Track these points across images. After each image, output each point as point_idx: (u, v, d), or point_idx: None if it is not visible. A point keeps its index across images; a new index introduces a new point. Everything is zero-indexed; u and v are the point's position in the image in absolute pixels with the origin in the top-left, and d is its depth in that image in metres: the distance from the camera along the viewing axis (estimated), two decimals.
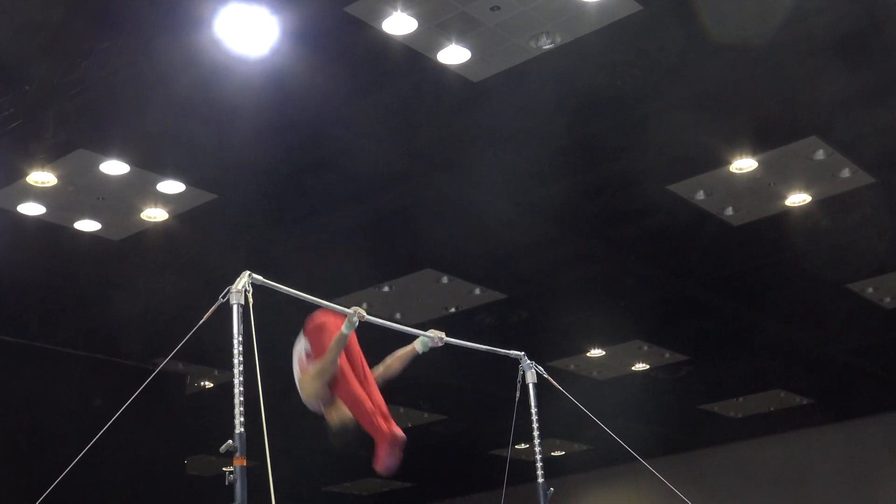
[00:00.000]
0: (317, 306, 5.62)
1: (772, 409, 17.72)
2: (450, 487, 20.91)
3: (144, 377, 5.12)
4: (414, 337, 6.08)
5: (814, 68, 8.17)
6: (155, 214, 9.78)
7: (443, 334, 6.07)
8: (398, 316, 12.38)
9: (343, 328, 5.52)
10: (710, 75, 8.30)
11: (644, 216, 10.65)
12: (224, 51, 7.30)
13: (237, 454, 4.52)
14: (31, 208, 9.41)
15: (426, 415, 16.68)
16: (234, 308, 4.78)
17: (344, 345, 5.58)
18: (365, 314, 5.58)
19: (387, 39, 7.48)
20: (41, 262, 10.62)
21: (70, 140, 8.27)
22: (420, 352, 6.03)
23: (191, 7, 6.98)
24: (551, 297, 12.35)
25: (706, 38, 7.76)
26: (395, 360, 6.02)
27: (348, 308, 5.57)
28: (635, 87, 8.38)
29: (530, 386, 6.49)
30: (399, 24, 7.30)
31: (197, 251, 10.53)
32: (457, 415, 16.86)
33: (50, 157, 8.50)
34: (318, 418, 5.75)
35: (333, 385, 5.64)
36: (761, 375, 15.89)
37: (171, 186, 9.33)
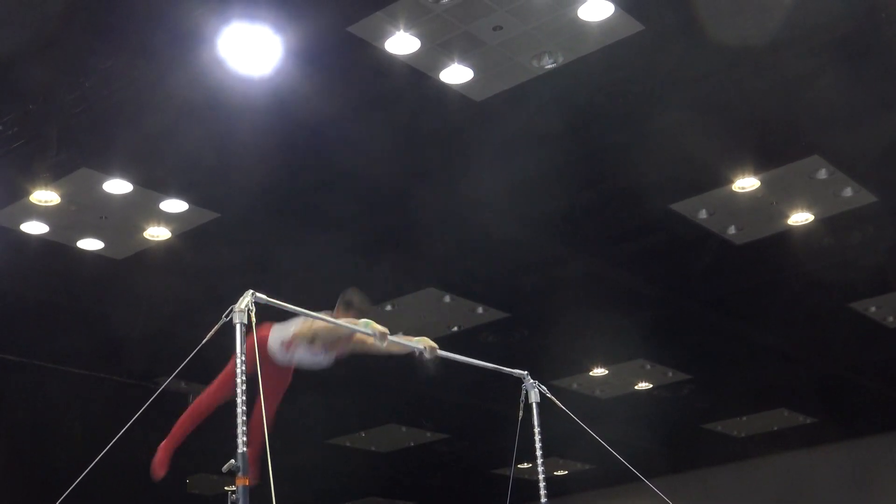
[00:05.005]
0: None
1: (775, 427, 17.68)
2: None
3: (147, 395, 5.12)
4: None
5: (816, 88, 8.18)
6: (157, 233, 9.79)
7: (436, 347, 6.08)
8: (401, 335, 12.35)
9: (366, 331, 5.62)
10: (713, 95, 8.31)
11: (646, 235, 10.65)
12: (227, 70, 7.32)
13: (240, 474, 4.51)
14: (34, 227, 9.42)
15: (429, 434, 16.65)
16: (238, 327, 4.78)
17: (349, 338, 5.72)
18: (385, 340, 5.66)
19: (389, 59, 7.51)
20: (44, 281, 10.63)
21: (73, 159, 8.29)
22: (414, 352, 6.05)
23: (194, 26, 7.00)
24: (554, 315, 12.34)
25: (708, 58, 7.78)
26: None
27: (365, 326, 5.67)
28: (637, 105, 8.39)
29: (533, 405, 6.48)
30: (402, 43, 7.33)
31: (199, 270, 10.53)
32: (459, 434, 16.82)
33: (53, 176, 8.51)
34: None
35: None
36: (765, 394, 15.85)
37: (174, 205, 9.35)
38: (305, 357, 5.78)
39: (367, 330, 5.58)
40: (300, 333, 5.69)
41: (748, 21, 7.41)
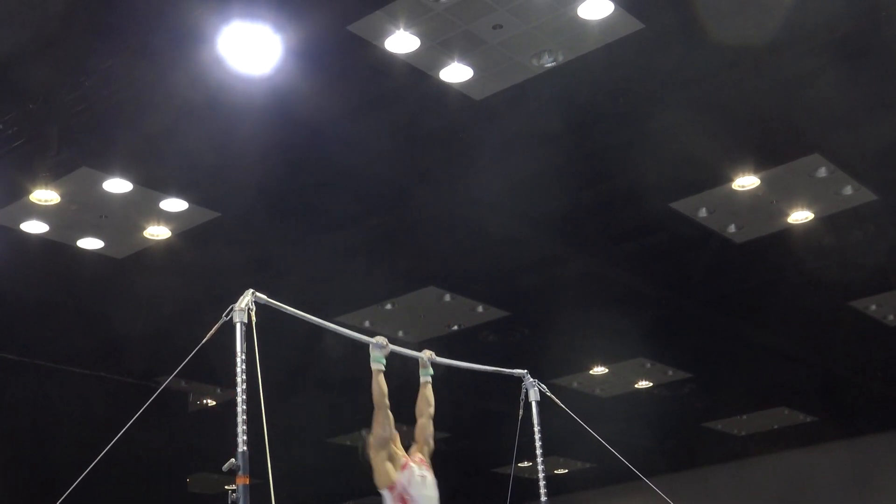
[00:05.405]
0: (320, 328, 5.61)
1: (776, 426, 17.68)
2: None
3: (147, 394, 5.12)
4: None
5: (816, 87, 8.18)
6: (157, 232, 9.79)
7: (432, 353, 6.08)
8: (401, 334, 12.37)
9: (372, 365, 5.51)
10: (713, 93, 8.32)
11: (646, 233, 10.66)
12: (227, 69, 7.32)
13: (240, 473, 4.52)
14: (35, 226, 9.42)
15: None
16: (237, 327, 4.77)
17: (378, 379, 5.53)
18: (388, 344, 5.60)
19: (389, 58, 7.51)
20: (44, 281, 10.63)
21: (73, 158, 8.29)
22: (428, 379, 6.02)
23: (194, 26, 7.00)
24: (554, 314, 12.34)
25: (708, 58, 7.78)
26: (423, 404, 5.95)
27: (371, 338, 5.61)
28: (637, 104, 8.39)
29: (533, 404, 6.48)
30: (402, 42, 7.33)
31: (199, 269, 10.53)
32: (459, 432, 16.80)
33: (53, 176, 8.51)
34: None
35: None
36: (765, 393, 15.85)
37: (174, 204, 9.35)
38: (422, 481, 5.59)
39: (373, 340, 5.53)
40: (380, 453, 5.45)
41: (748, 21, 7.41)
